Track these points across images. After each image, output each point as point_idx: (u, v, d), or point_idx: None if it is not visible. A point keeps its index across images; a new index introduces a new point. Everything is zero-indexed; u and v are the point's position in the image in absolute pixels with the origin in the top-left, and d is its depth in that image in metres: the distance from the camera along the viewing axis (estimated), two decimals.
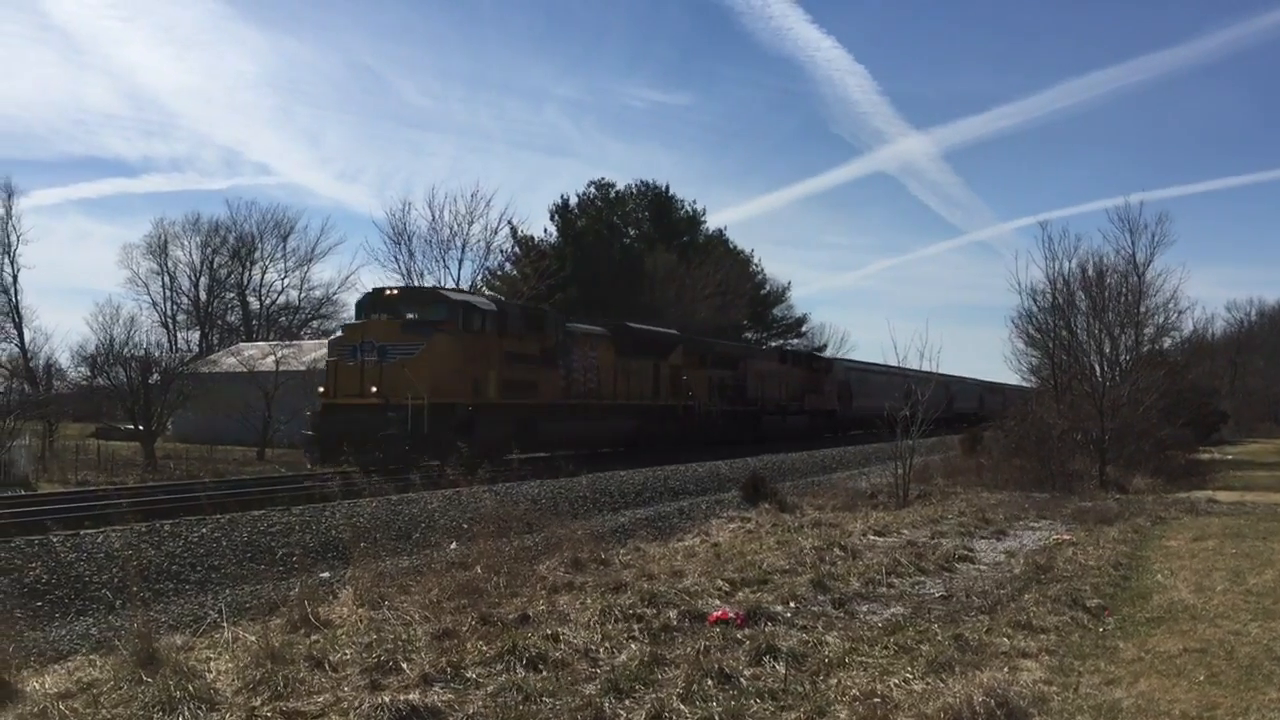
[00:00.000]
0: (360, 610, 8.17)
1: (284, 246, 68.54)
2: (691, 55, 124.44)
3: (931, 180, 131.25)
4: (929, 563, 11.01)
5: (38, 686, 6.32)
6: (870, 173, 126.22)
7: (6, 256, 56.92)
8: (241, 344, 52.96)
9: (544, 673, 6.41)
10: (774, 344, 55.35)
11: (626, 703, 5.84)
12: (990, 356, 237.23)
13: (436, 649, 6.87)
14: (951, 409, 45.69)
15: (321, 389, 20.17)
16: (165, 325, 64.57)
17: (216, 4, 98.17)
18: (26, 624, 8.20)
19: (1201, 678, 6.57)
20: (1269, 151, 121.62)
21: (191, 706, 5.63)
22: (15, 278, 57.02)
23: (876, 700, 5.87)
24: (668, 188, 55.37)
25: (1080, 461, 22.97)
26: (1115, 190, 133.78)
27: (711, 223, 57.85)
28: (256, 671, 6.23)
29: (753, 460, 23.79)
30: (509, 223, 43.98)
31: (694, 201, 56.91)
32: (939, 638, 7.41)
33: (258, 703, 5.78)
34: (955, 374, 51.58)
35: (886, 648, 7.17)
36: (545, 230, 50.84)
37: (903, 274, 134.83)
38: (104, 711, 5.68)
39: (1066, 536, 13.34)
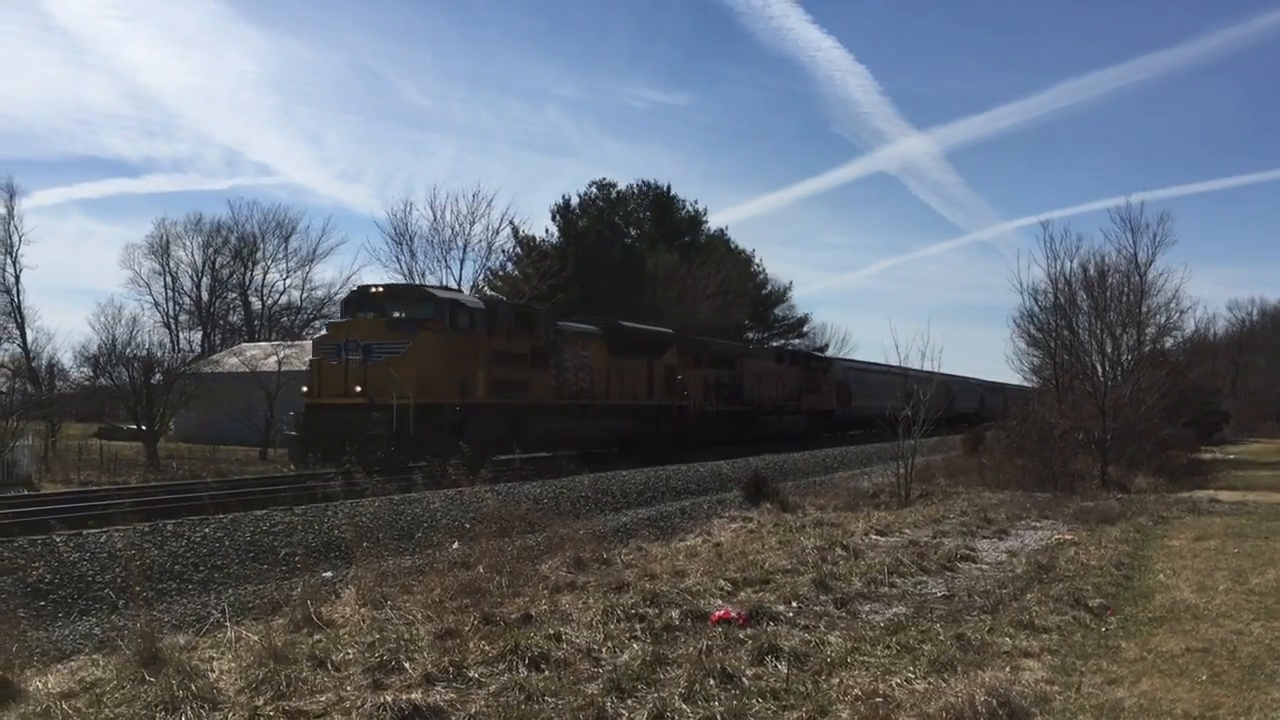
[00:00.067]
0: (363, 610, 8.17)
1: (286, 247, 68.71)
2: (692, 55, 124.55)
3: (933, 180, 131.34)
4: (931, 562, 11.01)
5: (41, 686, 6.32)
6: (871, 172, 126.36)
7: (9, 256, 57.05)
8: (243, 344, 53.06)
9: (546, 672, 6.41)
10: (775, 344, 55.31)
11: (629, 702, 5.84)
12: (991, 356, 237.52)
13: (439, 648, 6.87)
14: (952, 409, 45.65)
15: (305, 389, 19.80)
16: (167, 325, 64.73)
17: (218, 4, 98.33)
18: (30, 623, 8.20)
19: (1204, 677, 6.57)
20: (1269, 151, 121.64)
21: (194, 706, 5.64)
22: (17, 278, 57.16)
23: (878, 700, 5.87)
24: (669, 188, 55.45)
25: (1082, 461, 22.97)
26: (1116, 190, 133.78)
27: (713, 223, 57.93)
28: (259, 671, 6.24)
29: (754, 460, 23.76)
30: (510, 223, 44.10)
31: (695, 201, 57.11)
32: (941, 637, 7.41)
33: (260, 702, 5.79)
34: (956, 374, 51.50)
35: (888, 647, 7.17)
36: (546, 230, 50.89)
37: (904, 274, 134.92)
38: (107, 711, 5.69)
39: (1068, 536, 13.34)
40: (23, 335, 53.51)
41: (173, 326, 65.68)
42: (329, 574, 10.08)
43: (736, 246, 58.09)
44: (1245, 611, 8.62)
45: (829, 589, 9.28)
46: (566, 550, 10.83)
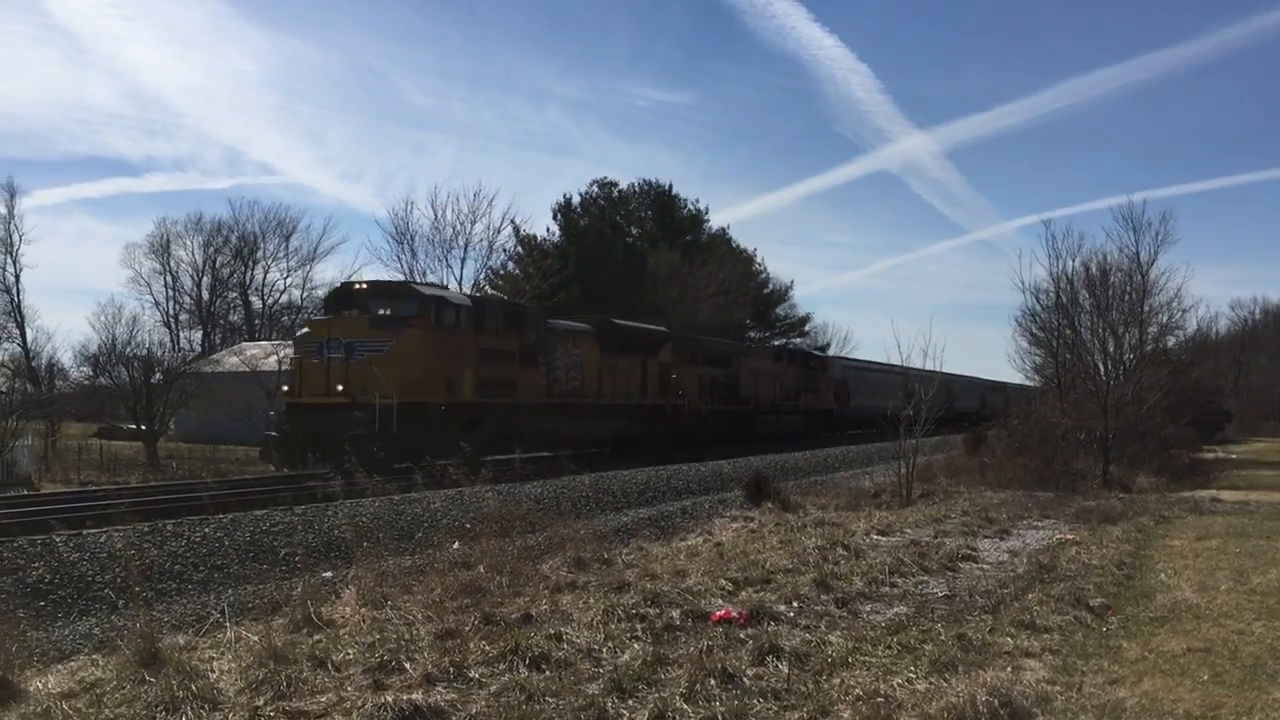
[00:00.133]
0: (363, 610, 8.16)
1: (286, 246, 68.75)
2: (694, 54, 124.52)
3: (934, 179, 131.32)
4: (932, 562, 11.00)
5: (41, 686, 6.32)
6: (873, 171, 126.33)
7: (9, 256, 57.06)
8: (244, 343, 53.06)
9: (547, 672, 6.41)
10: (777, 343, 55.28)
11: (629, 702, 5.83)
12: (993, 355, 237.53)
13: (439, 649, 6.87)
14: (953, 408, 45.57)
15: (285, 388, 19.44)
16: (168, 325, 64.74)
17: (218, 3, 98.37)
18: (29, 624, 8.20)
19: (1205, 677, 6.56)
20: (1271, 150, 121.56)
21: (194, 706, 5.63)
22: (18, 277, 57.17)
23: (879, 700, 5.86)
24: (670, 187, 55.41)
25: (1084, 461, 22.94)
26: (1118, 189, 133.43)
27: (714, 222, 57.87)
28: (259, 671, 6.23)
29: (755, 460, 23.73)
30: (512, 222, 44.09)
31: (697, 200, 57.00)
32: (942, 637, 7.40)
33: (260, 702, 5.78)
34: (957, 372, 51.41)
35: (890, 647, 7.16)
36: (548, 229, 50.88)
37: (906, 273, 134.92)
38: (107, 711, 5.68)
39: (1070, 536, 13.32)
40: (23, 335, 53.55)
41: (173, 326, 65.76)
42: (329, 574, 10.07)
43: (738, 246, 58.14)
44: (1247, 611, 8.61)
45: (830, 589, 9.27)
46: (567, 550, 10.82)
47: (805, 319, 65.21)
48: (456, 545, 11.73)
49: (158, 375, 35.04)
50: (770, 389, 36.24)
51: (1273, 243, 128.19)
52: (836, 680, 6.30)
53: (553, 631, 7.26)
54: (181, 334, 65.70)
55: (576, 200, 52.50)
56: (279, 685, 6.01)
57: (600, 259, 46.11)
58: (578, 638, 7.20)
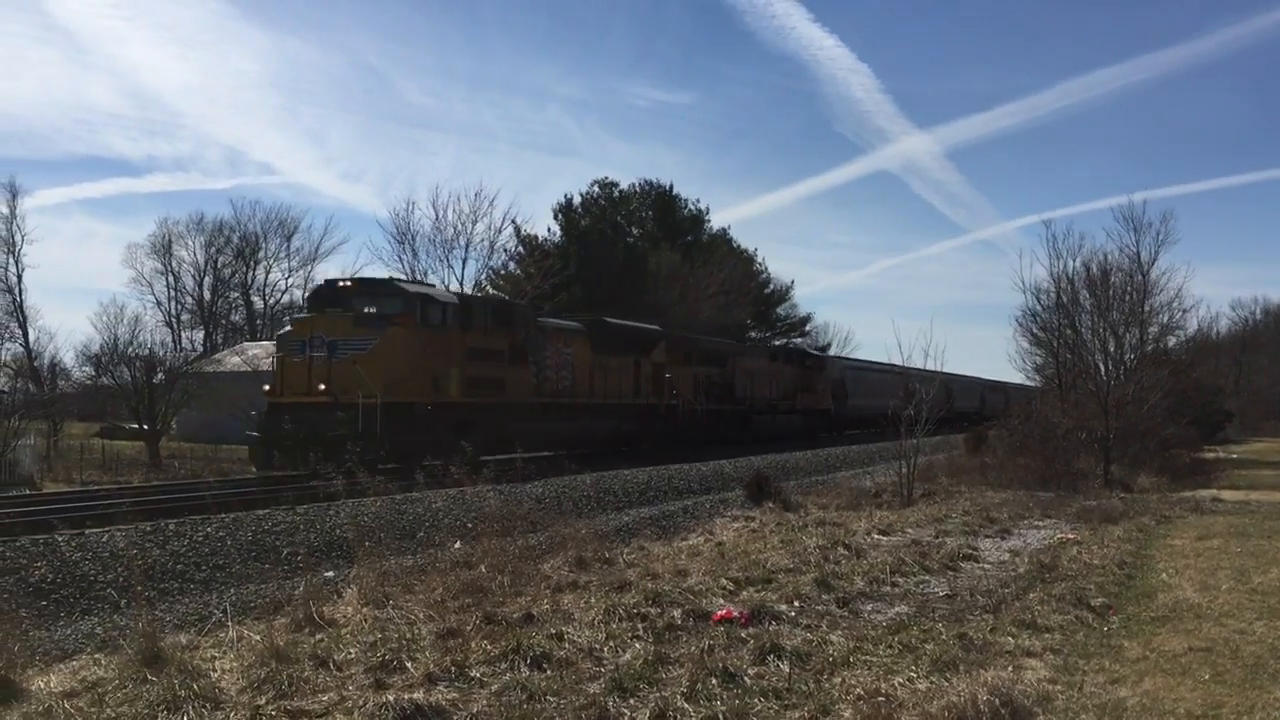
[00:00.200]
0: (364, 609, 8.17)
1: (288, 246, 68.85)
2: (694, 54, 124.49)
3: (935, 179, 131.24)
4: (933, 562, 11.01)
5: (43, 685, 6.33)
6: (873, 171, 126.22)
7: (11, 256, 57.12)
8: (246, 343, 53.13)
9: (548, 672, 6.41)
10: (778, 343, 55.26)
11: (631, 702, 5.84)
12: (993, 355, 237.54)
13: (441, 648, 6.87)
14: (952, 408, 45.52)
15: (266, 387, 19.07)
16: (169, 325, 64.81)
17: (219, 3, 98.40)
18: (32, 623, 8.21)
19: (1206, 677, 6.56)
20: (1272, 150, 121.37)
21: (196, 705, 5.64)
22: (20, 277, 57.23)
23: (881, 699, 5.86)
24: (671, 187, 55.38)
25: (1085, 460, 22.94)
26: (1118, 189, 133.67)
27: (715, 222, 57.84)
28: (261, 670, 6.24)
29: (756, 459, 23.72)
30: (513, 222, 44.10)
31: (697, 200, 56.97)
32: (943, 637, 7.41)
33: (262, 702, 5.79)
34: (956, 372, 51.40)
35: (891, 647, 7.16)
36: (549, 229, 50.87)
37: (906, 273, 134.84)
38: (109, 710, 5.69)
39: (1071, 535, 13.33)
40: (25, 335, 53.56)
41: (175, 326, 65.83)
42: (331, 573, 10.09)
43: (738, 246, 58.11)
44: (1248, 611, 8.61)
45: (831, 588, 9.28)
46: (568, 550, 10.83)
47: (806, 319, 65.27)
48: (458, 545, 11.74)
49: (160, 375, 35.03)
50: (766, 389, 35.93)
51: (1273, 242, 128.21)
52: (838, 679, 6.30)
53: (554, 631, 7.27)
54: (183, 334, 65.82)
55: (577, 200, 52.56)
56: (281, 684, 6.02)
57: (601, 259, 46.13)
58: (579, 637, 7.21)
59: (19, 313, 55.46)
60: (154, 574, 9.87)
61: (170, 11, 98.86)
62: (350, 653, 6.79)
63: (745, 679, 6.23)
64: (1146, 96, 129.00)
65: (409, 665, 6.44)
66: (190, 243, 67.41)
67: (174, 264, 67.34)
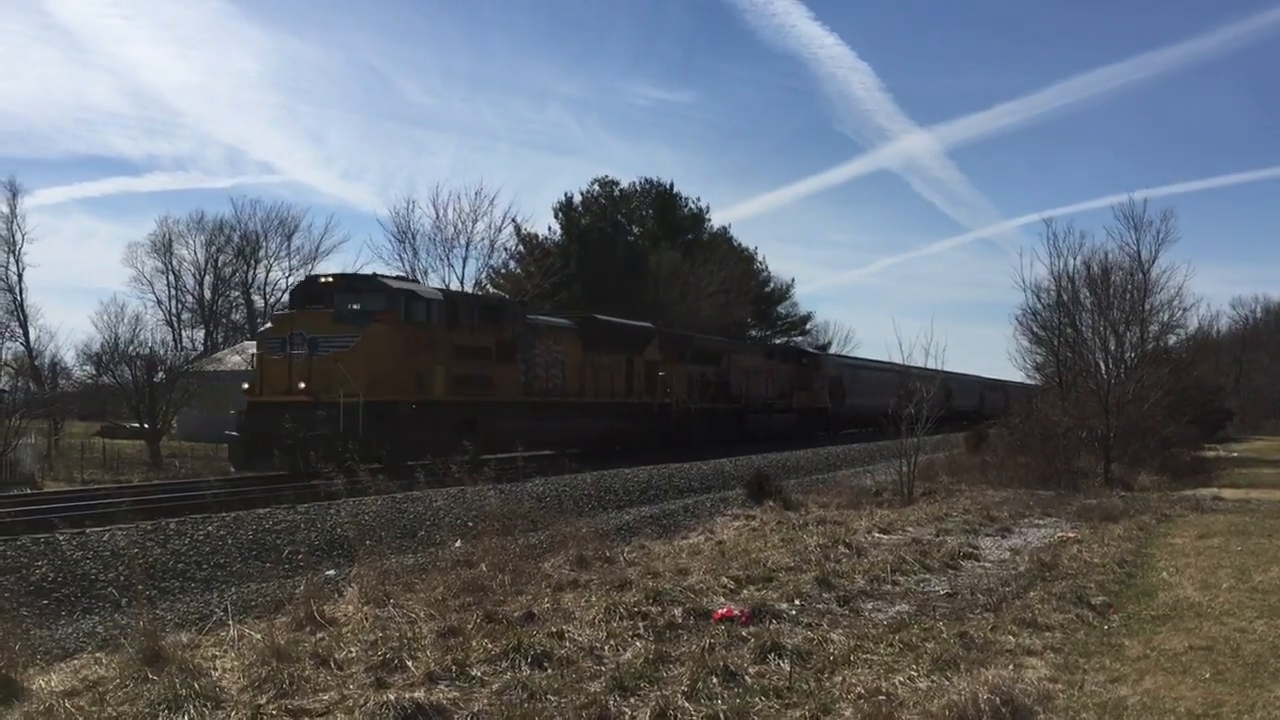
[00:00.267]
0: (365, 608, 8.18)
1: (288, 245, 68.79)
2: (694, 53, 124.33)
3: (935, 177, 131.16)
4: (934, 560, 11.01)
5: (44, 684, 6.33)
6: (874, 170, 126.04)
7: (12, 255, 57.08)
8: (246, 342, 53.00)
9: (549, 670, 6.42)
10: (778, 341, 55.29)
11: (631, 700, 5.84)
12: (993, 354, 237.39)
13: (442, 647, 6.88)
14: (951, 407, 45.45)
15: (246, 386, 18.83)
16: (170, 323, 64.74)
17: (219, 2, 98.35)
18: (33, 622, 8.23)
19: (1207, 675, 6.57)
20: (1272, 149, 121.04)
21: (197, 704, 5.64)
22: (20, 276, 57.20)
23: (881, 698, 5.86)
24: (671, 185, 55.42)
25: (1085, 459, 22.93)
26: (1119, 187, 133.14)
27: (715, 220, 57.89)
28: (262, 669, 6.24)
29: (757, 458, 23.72)
30: (513, 221, 44.13)
31: (698, 199, 56.97)
32: (944, 635, 7.41)
33: (263, 701, 5.79)
34: (955, 370, 51.33)
35: (891, 645, 7.16)
36: (549, 228, 50.93)
37: (906, 271, 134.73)
38: (110, 709, 5.69)
39: (1071, 534, 13.33)
40: (25, 334, 53.46)
41: (175, 325, 65.75)
42: (332, 572, 10.09)
43: (739, 244, 58.17)
44: (1248, 609, 8.61)
45: (832, 587, 9.27)
46: (569, 548, 10.83)
47: (806, 318, 65.34)
48: (459, 543, 11.74)
49: (160, 374, 35.05)
50: (762, 387, 35.63)
51: (1274, 241, 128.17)
52: (838, 678, 6.30)
53: (555, 630, 7.27)
54: (184, 333, 65.76)
55: (578, 199, 52.60)
56: (281, 683, 6.02)
57: (601, 258, 46.17)
58: (580, 636, 7.21)
59: (20, 312, 55.45)
60: (155, 573, 9.88)
61: (170, 10, 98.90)
62: (351, 651, 6.79)
63: (746, 678, 6.23)
64: (1147, 95, 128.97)
65: (410, 664, 6.44)
66: (191, 242, 67.42)
67: (174, 263, 67.34)
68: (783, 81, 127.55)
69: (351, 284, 19.60)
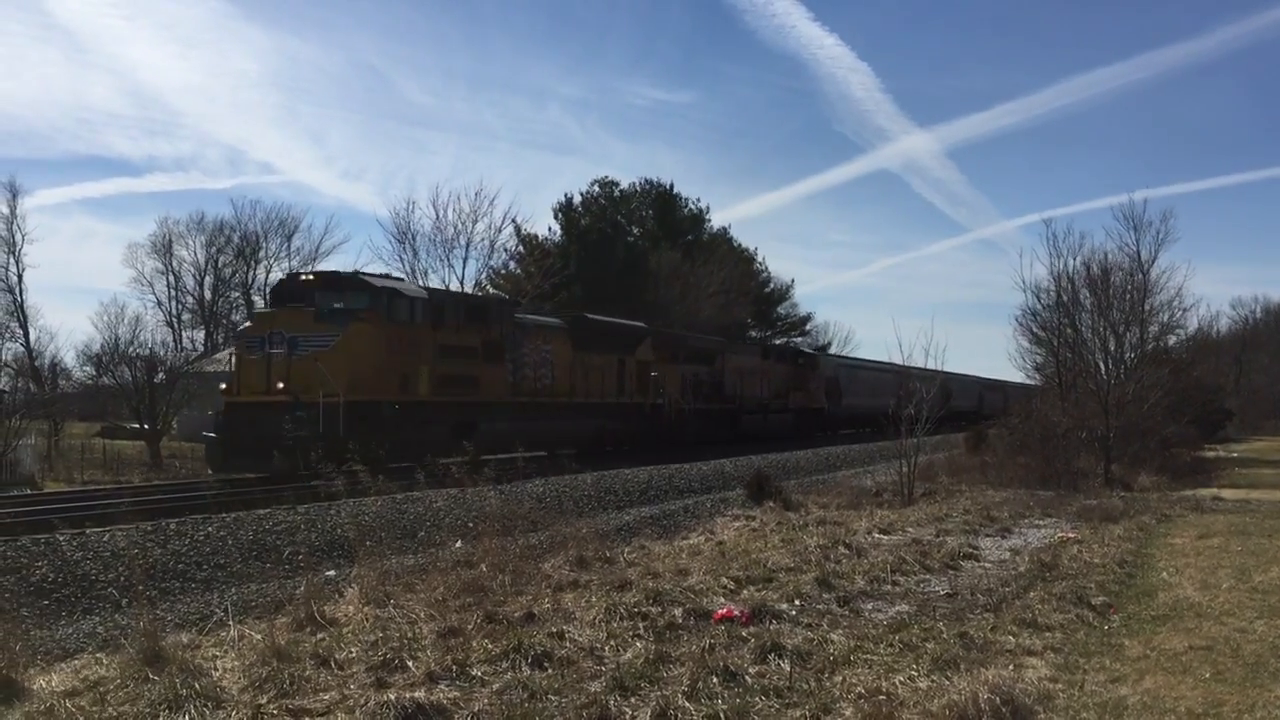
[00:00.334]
0: (366, 608, 8.18)
1: (288, 245, 68.71)
2: (694, 54, 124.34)
3: (935, 178, 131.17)
4: (934, 560, 11.01)
5: (45, 684, 6.34)
6: (874, 170, 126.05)
7: (11, 255, 56.96)
8: None
9: (549, 670, 6.42)
10: (778, 341, 55.30)
11: (632, 700, 5.84)
12: (992, 354, 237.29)
13: (442, 647, 6.88)
14: (949, 407, 45.36)
15: (223, 386, 18.54)
16: (170, 324, 64.71)
17: (219, 2, 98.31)
18: (33, 622, 8.23)
19: (1207, 675, 6.57)
20: (1272, 149, 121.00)
21: (198, 704, 5.64)
22: (20, 277, 57.06)
23: (882, 698, 5.87)
24: (672, 186, 55.41)
25: (1085, 459, 22.93)
26: (1119, 188, 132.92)
27: (715, 221, 57.88)
28: (262, 670, 6.24)
29: (757, 459, 23.71)
30: (513, 221, 44.11)
31: (698, 200, 56.97)
32: (944, 635, 7.41)
33: (264, 701, 5.80)
34: (954, 371, 51.32)
35: (891, 645, 7.16)
36: (549, 229, 50.90)
37: (906, 271, 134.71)
38: (110, 709, 5.70)
39: (1071, 534, 13.33)
40: (25, 334, 53.45)
41: (175, 325, 65.70)
42: (332, 573, 10.10)
43: (739, 245, 58.17)
44: (1248, 609, 8.61)
45: (832, 587, 9.28)
46: (569, 549, 10.83)
47: (806, 318, 65.35)
48: (459, 544, 11.75)
49: (160, 375, 35.03)
50: (757, 387, 35.35)
51: (1274, 241, 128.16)
52: (838, 678, 6.31)
53: (555, 630, 7.28)
54: (184, 333, 65.71)
55: (578, 199, 52.57)
56: (282, 684, 6.02)
57: (601, 258, 46.15)
58: (580, 636, 7.22)
59: (19, 312, 55.37)
60: (155, 573, 9.89)
61: (170, 11, 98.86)
62: (351, 652, 6.80)
63: (746, 678, 6.23)
64: (1146, 95, 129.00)
65: (410, 664, 6.44)
66: (191, 242, 67.34)
67: (174, 263, 67.26)
68: (783, 82, 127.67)
69: (333, 282, 19.32)
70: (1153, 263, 30.28)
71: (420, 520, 13.33)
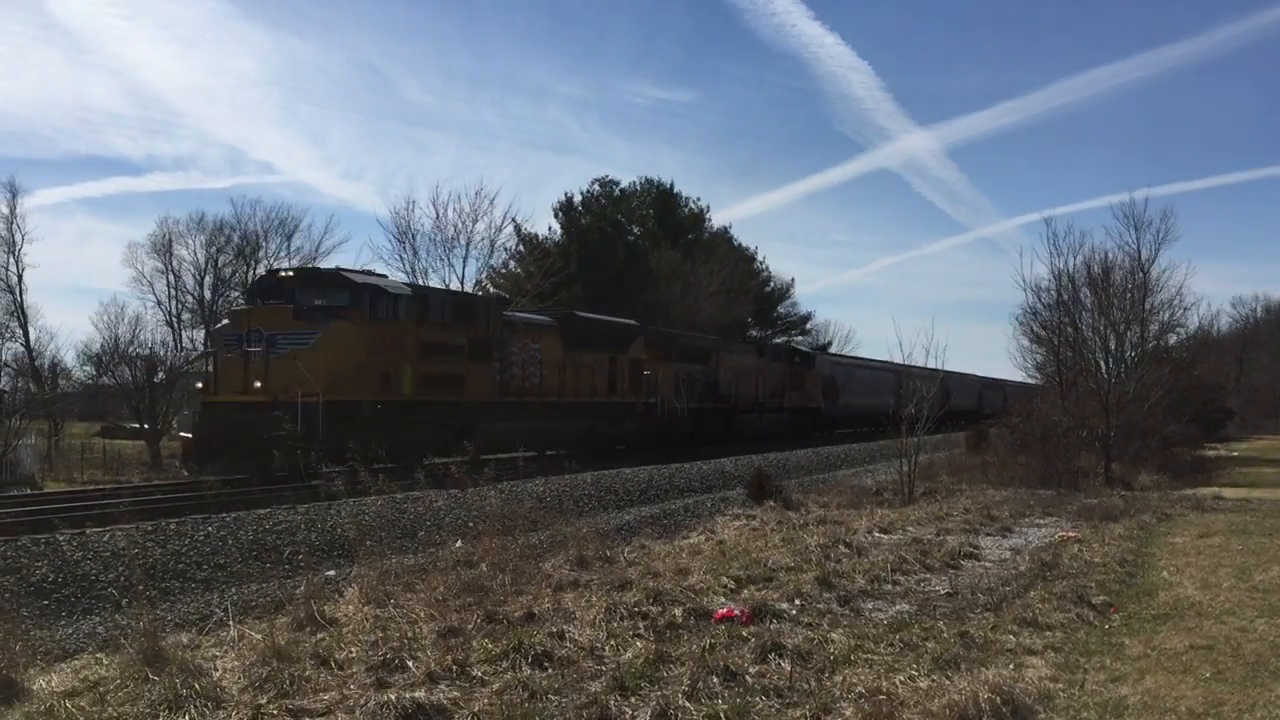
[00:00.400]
0: (366, 608, 8.17)
1: (288, 245, 68.51)
2: (694, 53, 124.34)
3: (935, 177, 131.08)
4: (934, 560, 11.01)
5: (45, 685, 6.33)
6: (874, 170, 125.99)
7: (11, 255, 56.88)
8: None
9: (549, 670, 6.42)
10: (778, 341, 55.28)
11: (632, 700, 5.84)
12: (991, 353, 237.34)
13: (442, 647, 6.87)
14: (948, 405, 45.28)
15: (200, 385, 18.17)
16: (170, 324, 64.43)
17: (220, 2, 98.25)
18: (33, 622, 8.22)
19: (1208, 674, 6.56)
20: (1273, 148, 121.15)
21: (198, 705, 5.64)
22: (20, 276, 56.85)
23: (882, 697, 5.86)
24: (672, 185, 55.32)
25: (1085, 458, 22.93)
26: (1119, 187, 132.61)
27: (716, 220, 57.79)
28: (262, 670, 6.24)
29: (757, 458, 23.70)
30: (513, 220, 44.07)
31: (698, 199, 56.89)
32: (944, 635, 7.41)
33: (264, 701, 5.79)
34: (952, 369, 51.29)
35: (892, 645, 7.16)
36: (549, 228, 50.83)
37: (907, 271, 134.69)
38: (110, 710, 5.69)
39: (1072, 533, 13.32)
40: (25, 334, 53.34)
41: (175, 325, 65.54)
42: (332, 572, 10.10)
43: (739, 244, 58.13)
44: (1249, 608, 8.61)
45: (832, 587, 9.27)
46: (569, 548, 10.82)
47: (807, 317, 65.29)
48: (459, 544, 11.75)
49: (160, 374, 35.06)
50: (752, 386, 35.05)
51: (1274, 240, 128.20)
52: (839, 678, 6.30)
53: (555, 630, 7.27)
54: (184, 333, 65.64)
55: (578, 199, 52.50)
56: (282, 684, 6.02)
57: (602, 258, 46.12)
58: (580, 636, 7.21)
59: (19, 312, 55.17)
60: (155, 573, 9.88)
61: (171, 11, 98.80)
62: (351, 652, 6.79)
63: (747, 677, 6.23)
64: (1147, 94, 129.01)
65: (410, 664, 6.44)
66: (191, 242, 66.98)
67: (175, 263, 66.92)
68: (783, 81, 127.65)
69: (313, 278, 18.94)
70: (1153, 261, 30.25)
71: (420, 520, 13.33)
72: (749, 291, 53.22)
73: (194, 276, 67.65)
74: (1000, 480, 21.12)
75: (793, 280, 63.54)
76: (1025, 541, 12.90)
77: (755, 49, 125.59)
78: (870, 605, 8.80)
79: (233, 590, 9.90)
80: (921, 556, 11.07)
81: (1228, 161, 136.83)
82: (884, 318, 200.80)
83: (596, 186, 53.30)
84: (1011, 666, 6.53)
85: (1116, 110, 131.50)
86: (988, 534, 13.49)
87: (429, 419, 18.98)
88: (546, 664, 6.52)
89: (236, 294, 69.00)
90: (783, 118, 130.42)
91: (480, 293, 26.88)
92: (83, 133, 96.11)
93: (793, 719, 5.65)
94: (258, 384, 16.69)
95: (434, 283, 35.86)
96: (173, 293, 67.21)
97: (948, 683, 6.07)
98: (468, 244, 39.01)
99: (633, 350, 27.12)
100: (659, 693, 5.92)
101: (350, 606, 8.32)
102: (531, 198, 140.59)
